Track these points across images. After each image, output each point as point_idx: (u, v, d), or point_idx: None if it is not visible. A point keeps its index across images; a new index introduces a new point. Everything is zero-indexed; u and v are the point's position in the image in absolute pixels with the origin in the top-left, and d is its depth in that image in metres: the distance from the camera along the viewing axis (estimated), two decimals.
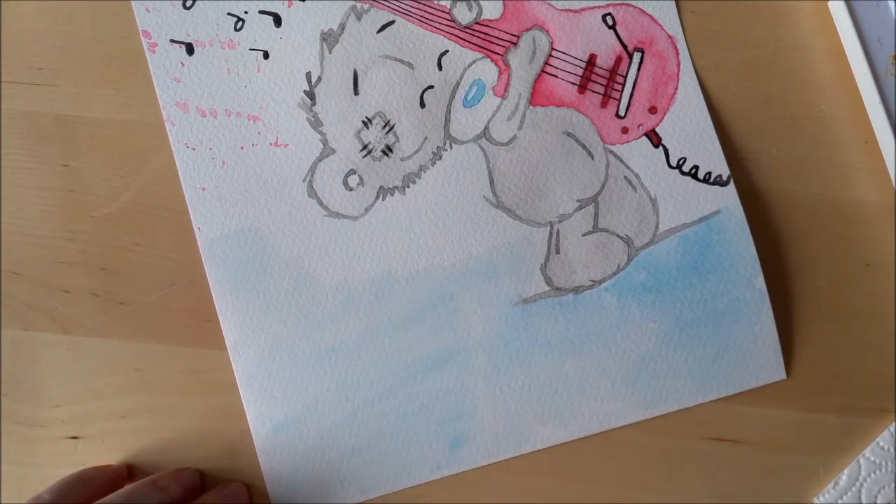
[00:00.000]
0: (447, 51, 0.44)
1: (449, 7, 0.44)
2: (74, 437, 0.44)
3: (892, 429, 0.44)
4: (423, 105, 0.44)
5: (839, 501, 0.44)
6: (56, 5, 0.45)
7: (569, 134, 0.44)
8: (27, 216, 0.44)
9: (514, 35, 0.44)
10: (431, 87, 0.44)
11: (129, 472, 0.43)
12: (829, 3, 0.45)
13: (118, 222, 0.44)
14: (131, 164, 0.44)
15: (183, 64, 0.44)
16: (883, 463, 0.44)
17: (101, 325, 0.44)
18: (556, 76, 0.44)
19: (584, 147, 0.44)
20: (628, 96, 0.44)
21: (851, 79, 0.45)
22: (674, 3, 0.45)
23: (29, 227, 0.44)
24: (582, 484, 0.44)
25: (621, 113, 0.44)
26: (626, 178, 0.44)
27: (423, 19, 0.44)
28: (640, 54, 0.44)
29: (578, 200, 0.44)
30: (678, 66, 0.44)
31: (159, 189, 0.44)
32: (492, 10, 0.44)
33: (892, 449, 0.44)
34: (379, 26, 0.44)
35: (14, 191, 0.44)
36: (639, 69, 0.44)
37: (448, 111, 0.44)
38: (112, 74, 0.45)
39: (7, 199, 0.44)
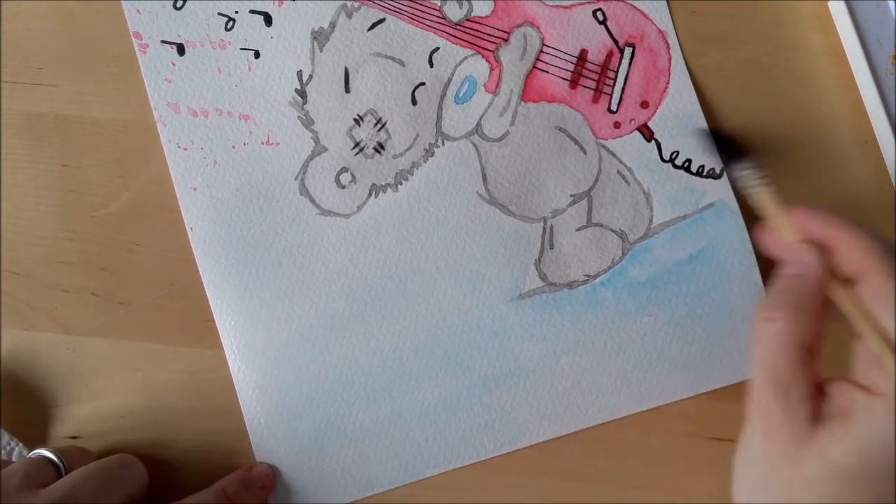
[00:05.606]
0: (438, 48, 0.44)
1: (439, 4, 0.44)
2: (74, 437, 0.44)
3: None
4: (414, 102, 0.44)
5: None
6: (56, 5, 0.46)
7: (561, 129, 0.44)
8: (27, 216, 0.45)
9: (505, 31, 0.44)
10: (423, 84, 0.44)
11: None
12: (829, 3, 0.45)
13: (118, 222, 0.45)
14: (131, 164, 0.45)
15: (174, 64, 0.44)
16: None
17: (100, 325, 0.44)
18: (547, 72, 0.44)
19: (576, 142, 0.44)
20: (620, 91, 0.44)
21: (851, 79, 0.45)
22: None
23: (29, 226, 0.45)
24: (582, 484, 0.44)
25: (613, 108, 0.44)
26: (618, 172, 0.44)
27: (413, 17, 0.44)
28: (630, 49, 0.44)
29: (571, 195, 0.44)
30: (669, 60, 0.44)
31: (159, 189, 0.44)
32: (482, 7, 0.44)
33: None
34: (370, 24, 0.44)
35: (14, 191, 0.45)
36: (630, 64, 0.44)
37: (440, 108, 0.44)
38: (112, 74, 0.45)
39: (7, 199, 0.45)
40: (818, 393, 0.34)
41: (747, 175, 0.40)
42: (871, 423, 0.31)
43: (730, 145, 0.42)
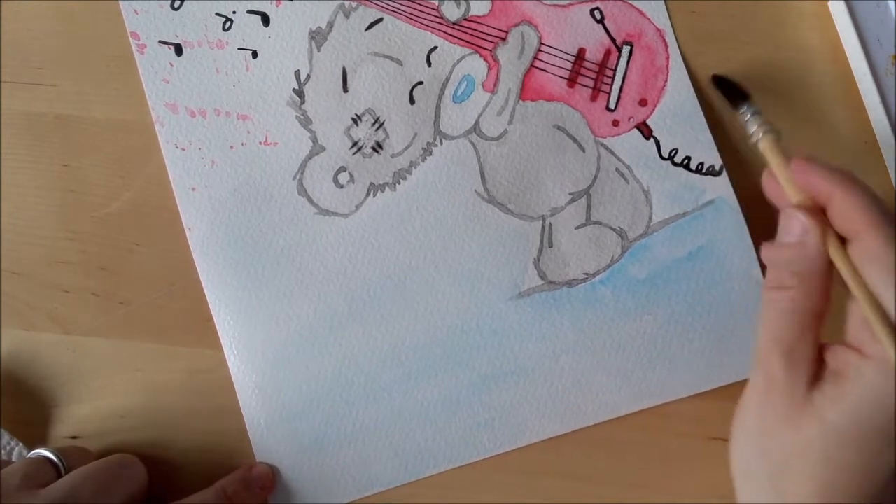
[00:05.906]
0: (436, 47, 0.44)
1: (437, 4, 0.45)
2: (74, 437, 0.44)
3: None
4: (412, 101, 0.44)
5: None
6: (56, 5, 0.46)
7: (559, 128, 0.44)
8: (27, 216, 0.45)
9: (503, 30, 0.44)
10: (421, 83, 0.44)
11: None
12: (829, 3, 0.45)
13: (118, 222, 0.45)
14: (131, 164, 0.45)
15: (172, 65, 0.45)
16: None
17: (100, 325, 0.44)
18: (545, 71, 0.44)
19: (574, 140, 0.44)
20: (618, 89, 0.44)
21: (851, 79, 0.45)
22: None
23: (29, 226, 0.45)
24: (582, 484, 0.43)
25: (611, 106, 0.44)
26: (617, 170, 0.44)
27: (411, 16, 0.44)
28: (628, 48, 0.44)
29: (570, 193, 0.44)
30: (667, 58, 0.44)
31: (159, 189, 0.45)
32: (480, 7, 0.44)
33: None
34: (367, 24, 0.44)
35: (14, 191, 0.45)
36: (628, 62, 0.44)
37: (438, 107, 0.44)
38: (112, 74, 0.45)
39: (7, 199, 0.45)
40: (819, 358, 0.34)
41: (750, 120, 0.40)
42: (862, 384, 0.32)
43: (733, 89, 0.42)
